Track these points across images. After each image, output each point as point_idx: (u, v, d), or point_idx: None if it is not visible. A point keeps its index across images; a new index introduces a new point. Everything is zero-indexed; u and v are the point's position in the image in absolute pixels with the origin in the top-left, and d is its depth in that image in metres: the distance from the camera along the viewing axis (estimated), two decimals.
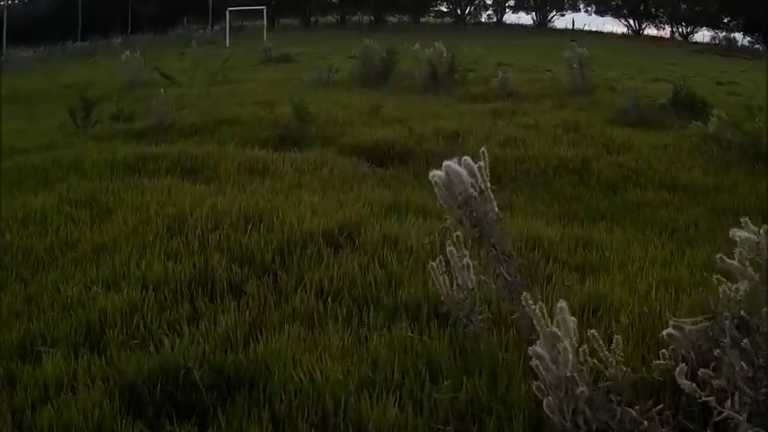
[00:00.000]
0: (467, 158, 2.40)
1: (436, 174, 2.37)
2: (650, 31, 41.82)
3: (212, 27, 37.45)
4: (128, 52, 14.64)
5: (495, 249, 2.42)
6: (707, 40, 38.29)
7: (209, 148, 6.24)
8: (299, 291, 3.04)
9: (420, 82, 11.36)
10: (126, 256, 3.49)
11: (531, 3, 45.93)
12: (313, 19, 45.64)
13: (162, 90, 9.12)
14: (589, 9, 44.67)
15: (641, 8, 41.50)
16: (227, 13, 33.18)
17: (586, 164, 5.98)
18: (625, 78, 14.99)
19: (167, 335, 2.67)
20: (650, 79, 15.58)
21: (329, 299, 2.97)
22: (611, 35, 40.63)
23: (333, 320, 2.78)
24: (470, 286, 2.49)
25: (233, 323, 2.75)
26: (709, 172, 5.95)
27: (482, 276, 2.52)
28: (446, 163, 2.38)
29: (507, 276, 2.43)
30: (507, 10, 46.69)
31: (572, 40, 34.01)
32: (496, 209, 2.40)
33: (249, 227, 3.80)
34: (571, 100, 9.87)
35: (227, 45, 27.97)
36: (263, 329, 2.70)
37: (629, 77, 15.55)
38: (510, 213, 4.46)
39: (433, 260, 2.53)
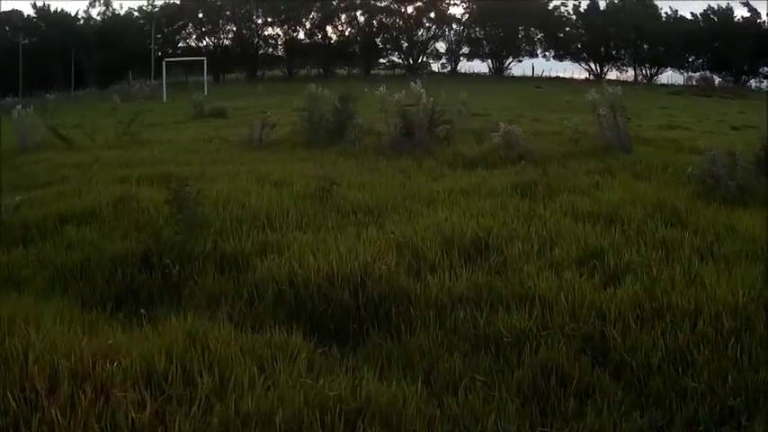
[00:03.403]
0: None
1: None
2: (612, 74, 40.11)
3: (153, 81, 34.68)
4: (19, 107, 11.73)
5: None
6: (674, 81, 36.66)
7: None
8: None
9: (389, 139, 8.15)
10: None
11: (487, 50, 44.13)
12: (259, 73, 43.39)
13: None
14: (547, 54, 42.97)
15: (602, 51, 39.77)
16: (164, 64, 30.77)
17: None
18: (634, 126, 12.15)
19: None
20: (662, 126, 12.82)
21: None
22: (573, 80, 38.75)
23: None
24: None
25: None
26: None
27: None
28: None
29: None
30: (462, 58, 45.03)
31: (537, 87, 31.75)
32: None
33: None
34: (615, 162, 6.74)
35: (165, 99, 25.42)
36: None
37: (635, 125, 12.73)
38: None
39: None
